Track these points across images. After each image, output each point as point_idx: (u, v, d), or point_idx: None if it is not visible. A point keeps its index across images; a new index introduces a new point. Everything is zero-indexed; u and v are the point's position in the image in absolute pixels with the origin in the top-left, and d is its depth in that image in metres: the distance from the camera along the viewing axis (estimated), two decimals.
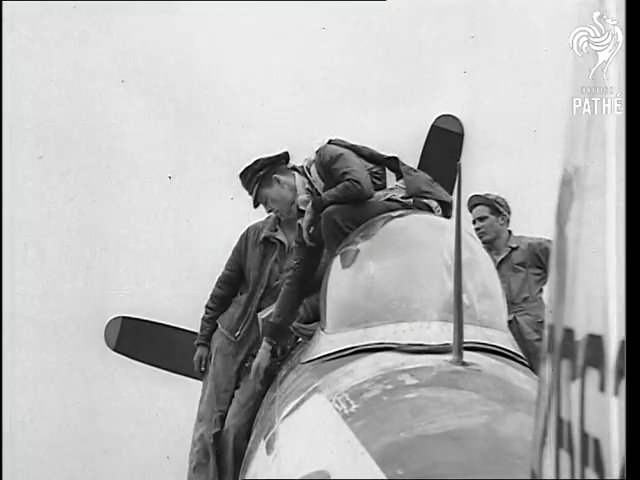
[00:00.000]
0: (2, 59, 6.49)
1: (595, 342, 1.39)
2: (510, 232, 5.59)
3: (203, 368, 4.85)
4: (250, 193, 4.51)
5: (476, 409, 2.39)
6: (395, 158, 4.21)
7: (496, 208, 5.53)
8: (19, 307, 6.72)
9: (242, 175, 4.51)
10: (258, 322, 4.70)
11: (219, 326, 4.85)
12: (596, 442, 1.35)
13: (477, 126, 5.74)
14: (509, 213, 5.62)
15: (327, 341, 3.51)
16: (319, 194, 4.19)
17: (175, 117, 6.82)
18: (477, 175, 5.63)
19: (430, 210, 4.11)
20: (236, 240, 4.91)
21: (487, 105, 6.80)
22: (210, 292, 4.94)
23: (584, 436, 1.38)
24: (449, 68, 6.85)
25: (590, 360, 1.40)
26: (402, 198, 4.07)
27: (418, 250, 3.70)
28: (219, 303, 4.90)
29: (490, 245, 5.46)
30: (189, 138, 6.65)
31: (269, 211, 4.53)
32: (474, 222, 5.51)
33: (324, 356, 3.40)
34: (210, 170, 6.68)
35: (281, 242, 4.79)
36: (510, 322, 5.02)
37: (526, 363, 3.32)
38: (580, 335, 1.43)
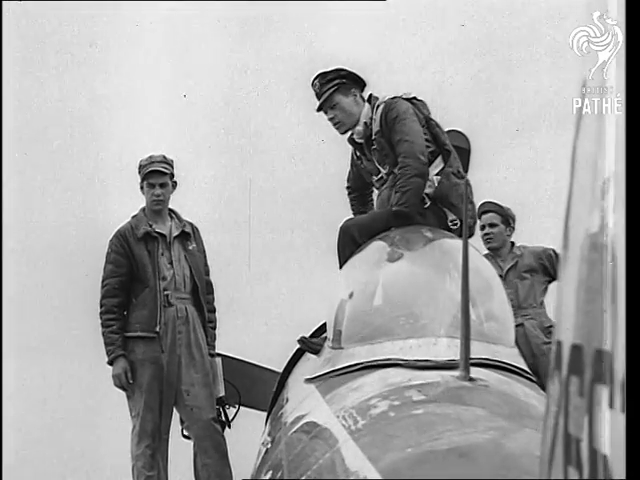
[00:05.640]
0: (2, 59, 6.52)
1: (603, 358, 1.39)
2: (513, 243, 5.73)
3: (131, 381, 4.87)
4: (323, 92, 4.41)
5: (483, 425, 2.38)
6: (449, 152, 4.25)
7: (507, 219, 5.69)
8: None
9: (322, 75, 4.45)
10: (177, 314, 4.87)
11: (130, 334, 4.90)
12: (605, 458, 1.35)
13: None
14: (514, 228, 5.78)
15: (334, 357, 3.50)
16: (371, 134, 4.32)
17: None
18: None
19: (445, 218, 4.14)
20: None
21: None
22: (103, 308, 4.94)
23: (593, 452, 1.38)
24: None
25: (598, 376, 1.40)
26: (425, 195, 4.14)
27: (428, 268, 3.71)
28: (120, 312, 4.94)
29: (495, 253, 5.61)
30: None
31: (330, 119, 4.45)
32: (483, 227, 5.64)
33: (331, 372, 3.40)
34: None
35: (162, 234, 4.98)
36: (517, 326, 5.18)
37: (533, 379, 3.32)
38: (588, 351, 1.43)
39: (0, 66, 6.49)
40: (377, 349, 3.30)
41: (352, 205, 4.87)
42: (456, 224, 4.18)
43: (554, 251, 5.61)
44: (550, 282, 5.62)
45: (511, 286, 5.47)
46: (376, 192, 4.59)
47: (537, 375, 3.47)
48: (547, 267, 5.61)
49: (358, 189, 4.79)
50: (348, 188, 4.85)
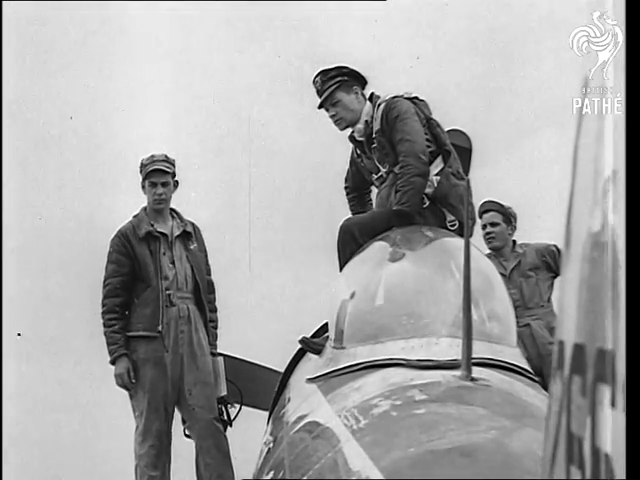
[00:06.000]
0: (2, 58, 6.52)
1: (605, 357, 1.39)
2: (515, 242, 5.74)
3: (134, 380, 4.88)
4: (325, 89, 4.41)
5: (485, 424, 2.38)
6: (449, 152, 4.25)
7: (508, 218, 5.69)
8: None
9: (324, 72, 4.45)
10: (179, 313, 4.90)
11: (132, 333, 4.90)
12: (607, 457, 1.35)
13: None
14: (516, 227, 5.78)
15: (336, 357, 3.50)
16: (372, 133, 4.32)
17: None
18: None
19: (443, 219, 4.14)
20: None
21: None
22: (105, 307, 4.94)
23: (595, 451, 1.38)
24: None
25: (600, 376, 1.40)
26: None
27: (429, 268, 3.71)
28: (122, 311, 4.95)
29: (497, 252, 5.62)
30: None
31: (332, 116, 4.46)
32: (484, 227, 5.65)
33: (333, 372, 3.40)
34: None
35: (163, 234, 4.98)
36: (524, 326, 5.18)
37: (535, 379, 3.32)
38: (590, 350, 1.43)
39: (0, 66, 6.49)
40: (379, 349, 3.30)
41: (351, 205, 4.88)
42: (454, 225, 4.18)
43: (556, 247, 5.60)
44: (555, 278, 5.63)
45: (516, 286, 5.48)
46: (375, 191, 4.60)
47: (544, 375, 3.47)
48: (550, 264, 5.61)
49: (356, 189, 4.80)
50: (346, 188, 4.86)
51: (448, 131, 4.61)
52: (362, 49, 6.82)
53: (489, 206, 5.68)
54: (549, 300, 5.62)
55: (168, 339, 4.87)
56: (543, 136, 6.94)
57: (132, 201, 5.26)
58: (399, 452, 2.26)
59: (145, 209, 5.07)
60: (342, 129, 4.49)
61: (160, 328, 4.85)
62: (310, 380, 3.55)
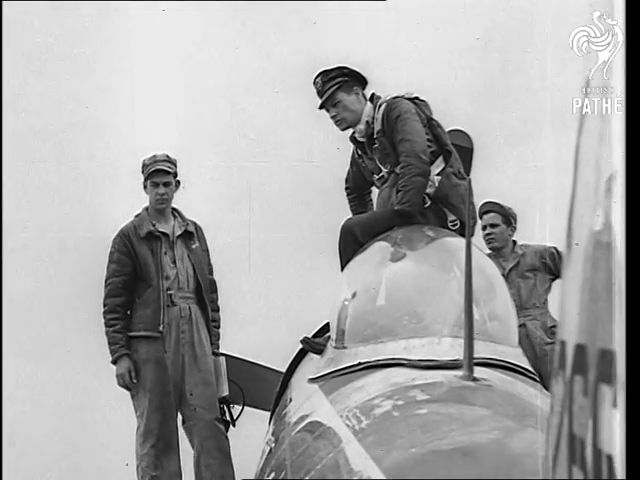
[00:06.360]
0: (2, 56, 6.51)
1: (607, 357, 1.39)
2: (515, 242, 5.74)
3: (135, 380, 4.88)
4: (325, 90, 4.43)
5: (487, 425, 2.38)
6: (450, 152, 4.26)
7: (508, 219, 5.69)
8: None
9: (325, 73, 4.46)
10: (180, 313, 4.90)
11: (133, 333, 4.90)
12: (609, 458, 1.35)
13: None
14: (516, 228, 5.78)
15: (337, 357, 3.50)
16: (373, 133, 4.33)
17: None
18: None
19: (445, 218, 4.15)
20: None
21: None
22: (106, 307, 4.94)
23: (597, 452, 1.38)
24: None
25: (602, 376, 1.39)
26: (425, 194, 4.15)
27: (431, 267, 3.71)
28: (123, 311, 4.95)
29: (497, 253, 5.62)
30: None
31: (333, 116, 4.46)
32: (484, 228, 5.65)
33: (334, 372, 3.40)
34: None
35: (165, 234, 4.99)
36: (520, 327, 5.19)
37: (537, 379, 3.31)
38: (592, 351, 1.43)
39: (0, 66, 6.49)
40: (380, 349, 3.30)
41: (351, 206, 4.88)
42: (456, 224, 4.18)
43: (556, 249, 5.60)
44: (553, 280, 5.63)
45: (513, 286, 5.48)
46: (376, 191, 4.60)
47: (540, 376, 3.47)
48: (549, 265, 5.61)
49: (357, 189, 4.81)
50: (347, 189, 4.87)
51: (449, 131, 4.61)
52: (362, 49, 6.82)
53: (489, 207, 5.68)
54: (545, 302, 5.62)
55: (169, 339, 4.88)
56: (544, 136, 6.95)
57: (133, 201, 5.26)
58: (401, 452, 2.27)
59: (147, 209, 5.07)
60: (343, 130, 4.50)
61: (161, 328, 4.86)
62: (312, 380, 3.55)
